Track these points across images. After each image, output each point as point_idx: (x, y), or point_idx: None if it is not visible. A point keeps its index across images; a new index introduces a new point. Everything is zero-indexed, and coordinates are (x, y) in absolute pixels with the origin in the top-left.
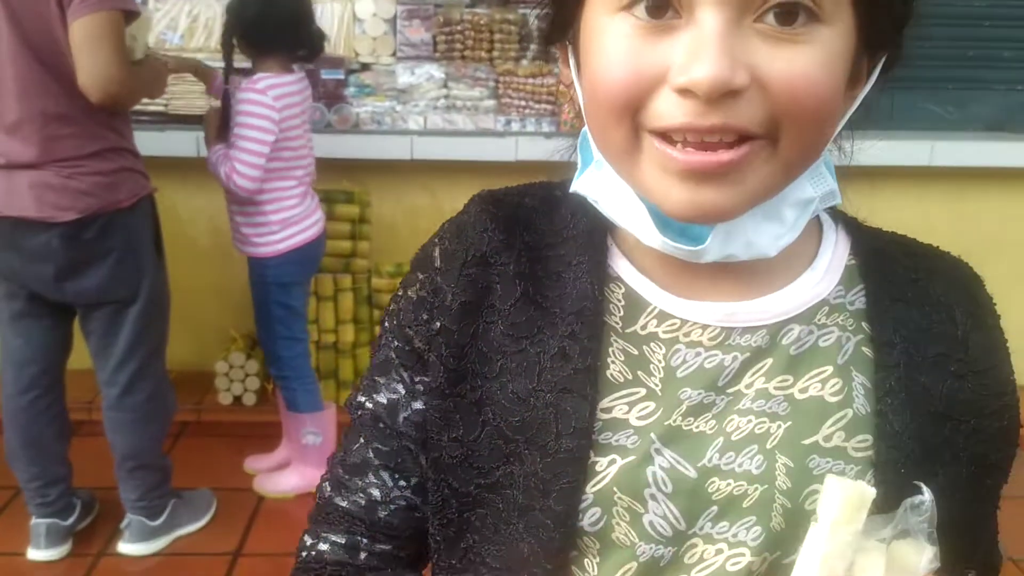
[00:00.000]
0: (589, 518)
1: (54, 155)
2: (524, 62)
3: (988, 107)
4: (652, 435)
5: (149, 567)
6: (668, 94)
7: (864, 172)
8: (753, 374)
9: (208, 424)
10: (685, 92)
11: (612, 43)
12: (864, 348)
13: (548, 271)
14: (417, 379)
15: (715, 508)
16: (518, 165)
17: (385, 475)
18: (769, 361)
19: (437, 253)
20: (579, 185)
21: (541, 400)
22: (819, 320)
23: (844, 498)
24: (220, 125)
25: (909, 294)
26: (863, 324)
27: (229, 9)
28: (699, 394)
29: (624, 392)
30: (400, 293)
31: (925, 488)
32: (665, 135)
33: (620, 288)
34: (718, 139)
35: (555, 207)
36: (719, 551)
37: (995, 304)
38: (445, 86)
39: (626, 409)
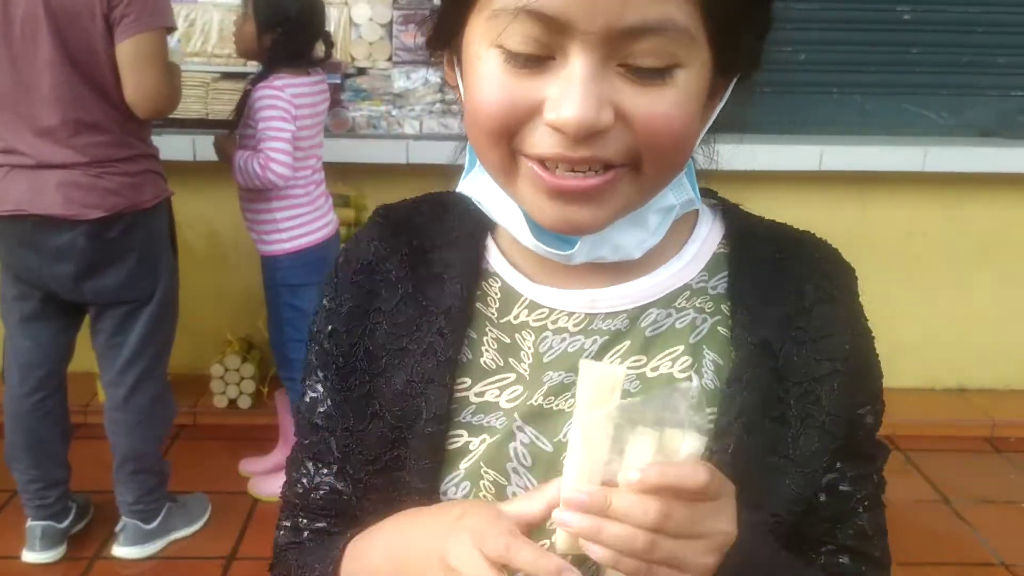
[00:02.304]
0: (461, 491)
1: (84, 159)
2: None
3: (982, 113)
4: (516, 414)
5: (144, 571)
6: (541, 125)
7: (858, 177)
8: (611, 356)
9: (203, 427)
10: (557, 129)
11: (489, 75)
12: (720, 328)
13: (431, 272)
14: (329, 376)
15: None
16: None
17: (310, 464)
18: (627, 343)
19: (338, 264)
20: (464, 186)
21: (414, 391)
22: (679, 304)
23: (595, 380)
24: (233, 144)
25: (766, 273)
26: (722, 307)
27: (266, 20)
28: (560, 375)
29: (496, 378)
30: (319, 302)
31: (694, 376)
32: (539, 161)
33: (497, 282)
34: (587, 168)
35: (446, 212)
36: None
37: (855, 286)
38: (441, 90)
39: (497, 393)
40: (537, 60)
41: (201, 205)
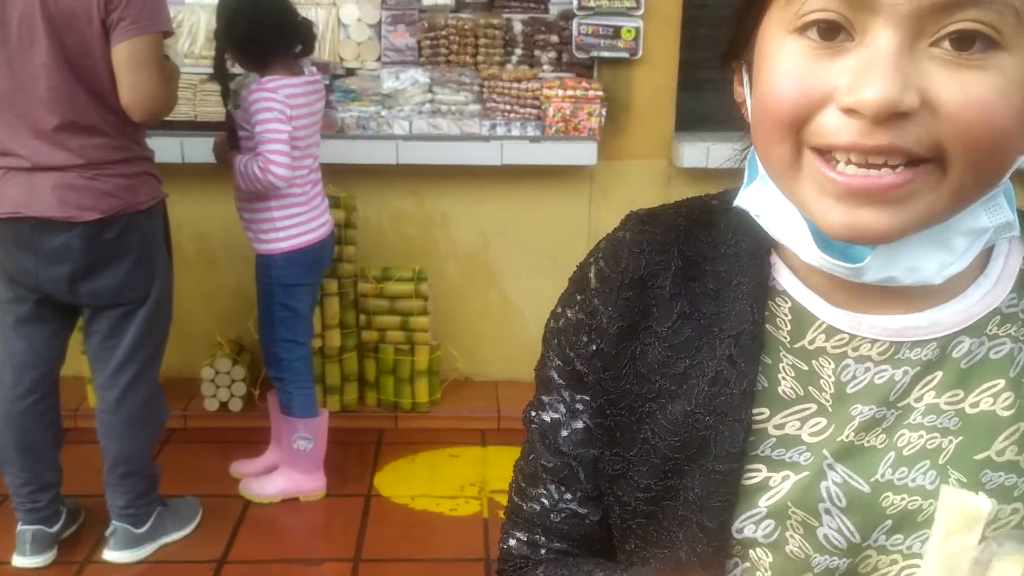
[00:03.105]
0: (763, 530)
1: (80, 161)
2: (509, 66)
3: None
4: (825, 451)
5: (134, 575)
6: (834, 113)
7: None
8: (923, 388)
9: (194, 431)
10: (851, 112)
11: (783, 63)
12: None
13: (706, 288)
14: (578, 398)
15: (889, 522)
16: (503, 169)
17: (552, 487)
18: (939, 375)
19: (593, 274)
20: (743, 199)
21: (700, 422)
22: (990, 331)
23: (958, 511)
24: (230, 146)
25: None
26: None
27: (218, 33)
28: (871, 409)
29: (796, 408)
30: (559, 311)
31: None
32: (826, 153)
33: (786, 303)
34: (883, 161)
35: (713, 220)
36: (893, 562)
37: None
38: (430, 91)
39: (798, 425)
40: (836, 37)
41: (190, 207)
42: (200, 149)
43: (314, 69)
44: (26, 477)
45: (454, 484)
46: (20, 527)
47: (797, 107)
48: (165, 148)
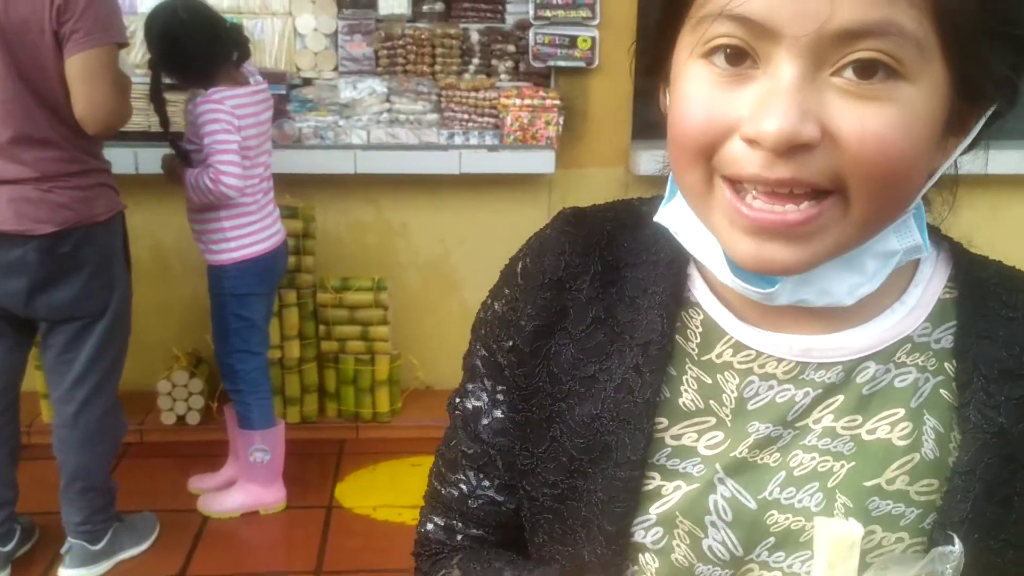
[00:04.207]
0: (652, 536)
1: (35, 174)
2: (466, 76)
3: None
4: (717, 465)
5: None
6: (740, 142)
7: None
8: (822, 410)
9: (151, 445)
10: (753, 143)
11: (691, 89)
12: (942, 391)
13: (623, 294)
14: (499, 388)
15: (772, 539)
16: (462, 178)
17: (471, 474)
18: (840, 398)
19: (520, 269)
20: (663, 215)
21: (604, 427)
22: (898, 358)
23: (835, 539)
24: (180, 161)
25: (1000, 332)
26: (945, 365)
27: (152, 62)
28: (766, 428)
29: (694, 420)
30: (488, 302)
31: (956, 539)
32: (737, 183)
33: (698, 315)
34: (788, 191)
35: (639, 225)
36: None
37: None
38: (388, 100)
39: (695, 437)
40: (743, 63)
41: (145, 218)
42: (154, 160)
43: (260, 78)
44: None
45: (416, 494)
46: None
47: (704, 135)
48: (119, 159)
